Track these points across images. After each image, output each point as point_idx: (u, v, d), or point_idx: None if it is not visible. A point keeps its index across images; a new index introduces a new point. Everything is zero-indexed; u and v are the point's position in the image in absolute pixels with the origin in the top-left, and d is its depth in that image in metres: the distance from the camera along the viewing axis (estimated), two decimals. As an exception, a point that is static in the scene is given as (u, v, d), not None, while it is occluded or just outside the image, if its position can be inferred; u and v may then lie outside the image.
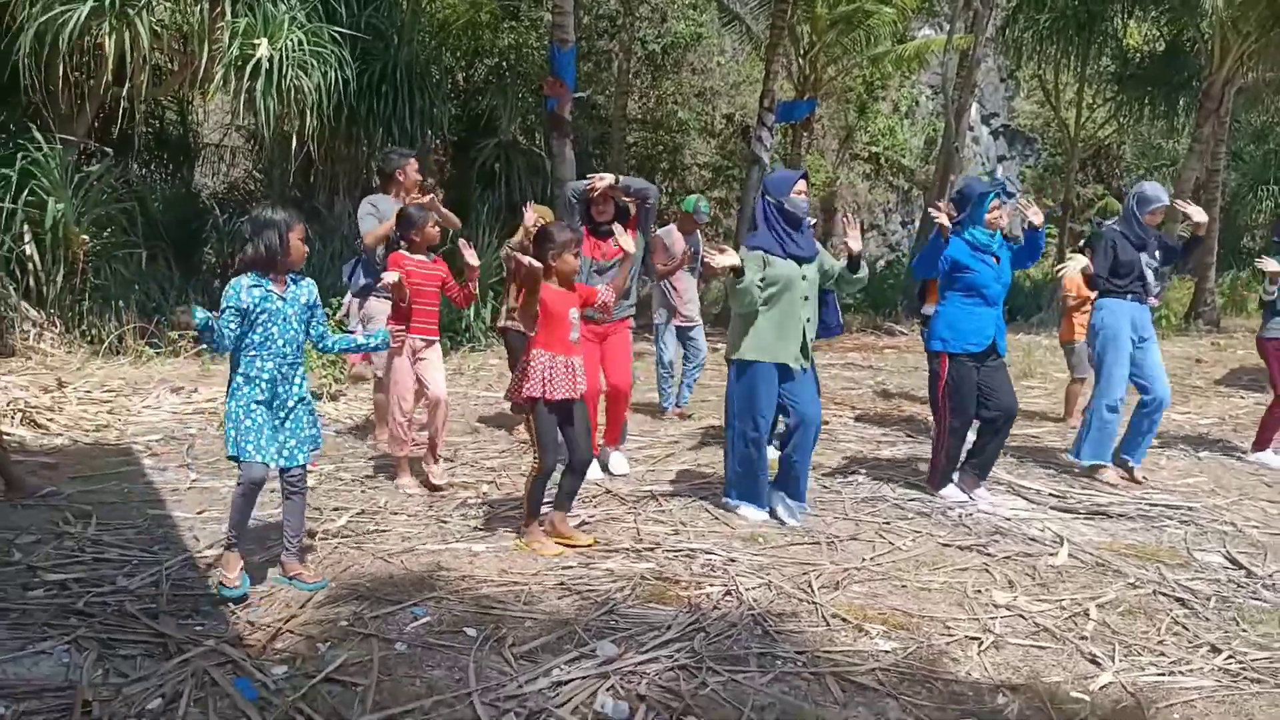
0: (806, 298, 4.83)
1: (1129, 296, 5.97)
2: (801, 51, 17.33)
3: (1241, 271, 24.49)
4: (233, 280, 3.69)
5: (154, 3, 8.87)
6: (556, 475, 4.49)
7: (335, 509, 4.86)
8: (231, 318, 3.62)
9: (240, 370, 3.69)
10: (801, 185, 4.86)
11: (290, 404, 3.77)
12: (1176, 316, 17.02)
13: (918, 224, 20.28)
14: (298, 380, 3.81)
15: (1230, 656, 3.47)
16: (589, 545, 4.41)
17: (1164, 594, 4.07)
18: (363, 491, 5.24)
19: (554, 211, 6.43)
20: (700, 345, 7.68)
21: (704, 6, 19.40)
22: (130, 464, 5.61)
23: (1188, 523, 5.12)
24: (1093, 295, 6.34)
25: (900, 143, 23.67)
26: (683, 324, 7.58)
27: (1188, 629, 3.72)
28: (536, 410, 4.34)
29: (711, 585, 3.97)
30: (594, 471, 5.62)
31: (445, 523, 4.72)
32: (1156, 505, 5.44)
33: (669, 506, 5.10)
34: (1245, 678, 3.32)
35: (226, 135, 14.60)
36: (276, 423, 3.74)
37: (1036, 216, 5.59)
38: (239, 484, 3.67)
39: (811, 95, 17.47)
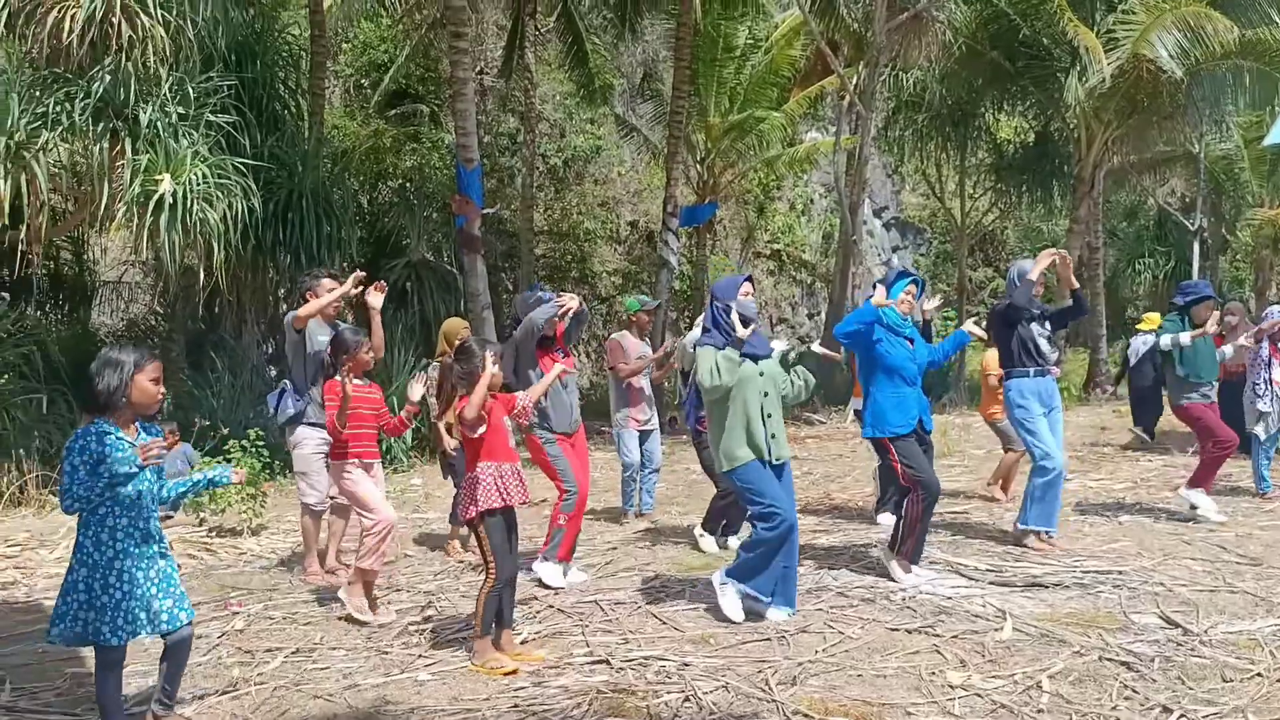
0: (766, 393, 4.89)
1: (1031, 372, 6.24)
2: (699, 158, 17.99)
3: (1130, 340, 25.76)
4: (78, 431, 3.34)
5: (50, 144, 8.75)
6: None
7: (268, 650, 4.63)
8: (85, 476, 3.26)
9: (89, 533, 3.30)
10: (747, 287, 5.01)
11: (157, 561, 3.44)
12: (1076, 388, 17.75)
13: (824, 315, 20.86)
14: (158, 536, 3.48)
15: (1182, 715, 3.54)
16: (539, 660, 4.31)
17: (1109, 659, 4.14)
18: (296, 629, 5.01)
19: (471, 327, 6.53)
20: (656, 452, 7.75)
21: (602, 120, 20.05)
22: (42, 621, 5.25)
23: (1120, 587, 5.25)
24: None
25: (799, 239, 24.53)
26: (642, 429, 7.61)
27: (1138, 692, 3.79)
28: (489, 523, 4.29)
29: (669, 692, 3.90)
30: (556, 578, 5.61)
31: (387, 653, 4.55)
32: (1089, 572, 5.57)
33: (615, 615, 5.01)
34: (1200, 735, 3.38)
35: (125, 272, 14.30)
36: (147, 587, 3.36)
37: (975, 330, 5.94)
38: (100, 672, 3.35)
39: (712, 198, 18.08)
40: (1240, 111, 19.33)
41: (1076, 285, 6.44)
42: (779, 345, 5.19)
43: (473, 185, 12.55)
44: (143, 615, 3.36)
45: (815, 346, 5.43)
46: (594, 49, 17.03)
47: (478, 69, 17.13)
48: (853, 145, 17.27)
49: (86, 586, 3.30)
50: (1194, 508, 6.96)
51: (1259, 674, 3.90)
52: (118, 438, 3.34)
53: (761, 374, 4.90)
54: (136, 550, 3.38)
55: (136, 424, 3.46)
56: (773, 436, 4.86)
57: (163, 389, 3.52)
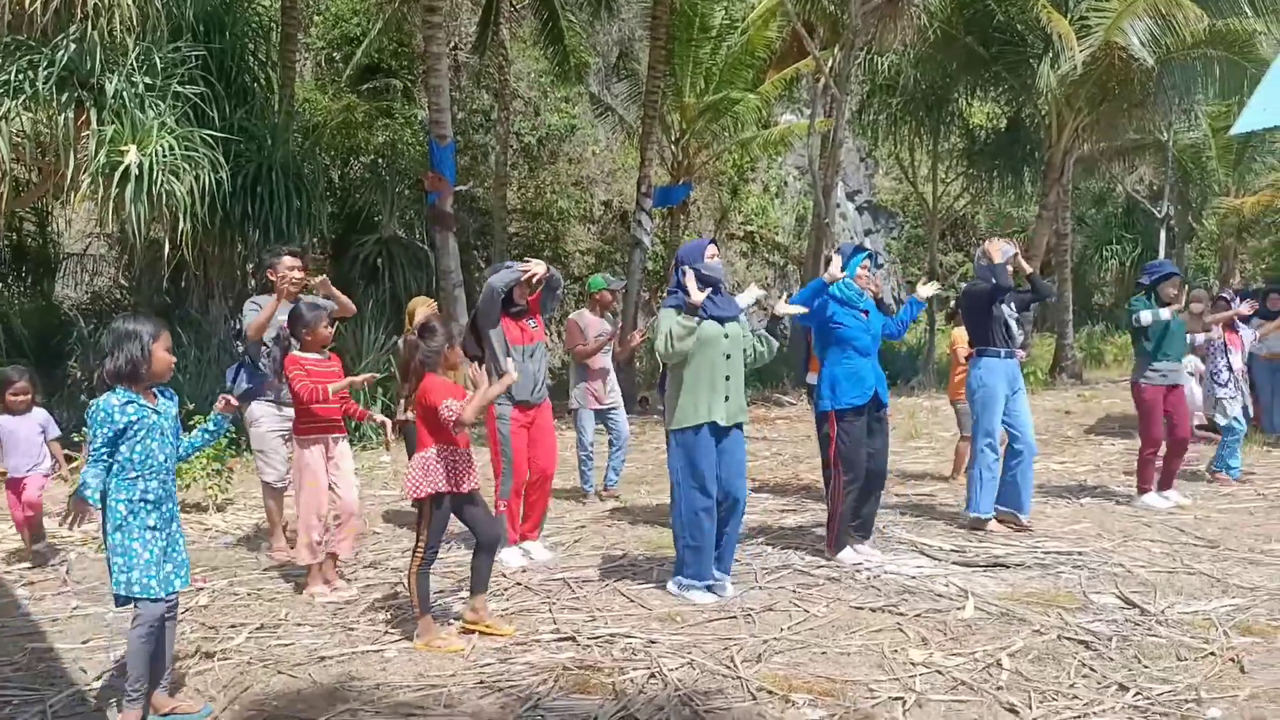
0: (729, 355, 4.90)
1: (1001, 353, 6.32)
2: (673, 139, 17.91)
3: (1096, 326, 26.12)
4: (100, 400, 3.41)
5: (13, 113, 8.57)
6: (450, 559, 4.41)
7: (232, 626, 4.61)
8: (103, 446, 3.37)
9: (122, 496, 3.41)
10: (712, 249, 5.01)
11: (171, 523, 3.55)
12: (1043, 372, 17.95)
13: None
14: (173, 497, 3.60)
15: (1138, 694, 3.62)
16: (508, 635, 4.32)
17: (1068, 638, 4.22)
18: (260, 605, 4.99)
19: (440, 305, 6.46)
20: (622, 427, 7.69)
21: (576, 99, 19.91)
22: (2, 595, 5.22)
23: (1080, 567, 5.34)
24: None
25: (773, 221, 24.53)
26: (601, 407, 7.58)
27: (1095, 670, 3.86)
28: (437, 506, 4.28)
29: (635, 669, 3.92)
30: (514, 559, 5.59)
31: (352, 629, 4.54)
32: (1049, 553, 5.66)
33: (582, 592, 5.03)
34: (1154, 713, 3.46)
35: (90, 244, 14.07)
36: (163, 548, 3.48)
37: (926, 290, 5.96)
38: (137, 627, 3.38)
39: (686, 179, 18.01)
40: (1209, 101, 19.51)
41: (1030, 270, 6.56)
42: (750, 294, 5.16)
43: (445, 162, 12.44)
44: (160, 575, 3.46)
45: (781, 305, 5.43)
46: (569, 26, 16.87)
47: (451, 44, 16.94)
48: (827, 128, 17.27)
49: (124, 549, 3.40)
50: (1148, 507, 7.01)
51: (1212, 653, 3.99)
52: (140, 404, 3.46)
53: (726, 336, 4.91)
54: (160, 511, 3.50)
55: (155, 390, 3.57)
56: (727, 399, 4.88)
57: (173, 357, 3.65)
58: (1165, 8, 14.89)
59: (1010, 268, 6.35)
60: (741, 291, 5.45)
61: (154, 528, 3.45)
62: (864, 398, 5.55)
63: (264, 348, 5.75)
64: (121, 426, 3.40)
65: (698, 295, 4.80)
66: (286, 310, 5.74)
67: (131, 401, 3.44)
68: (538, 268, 5.56)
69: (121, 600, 3.42)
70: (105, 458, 3.41)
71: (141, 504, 3.44)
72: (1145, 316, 6.95)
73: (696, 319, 4.83)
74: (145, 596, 3.38)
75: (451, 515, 4.38)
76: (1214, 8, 15.66)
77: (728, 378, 4.90)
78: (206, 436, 3.93)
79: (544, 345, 5.90)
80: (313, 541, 5.06)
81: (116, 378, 3.45)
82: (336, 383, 5.09)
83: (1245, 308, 8.93)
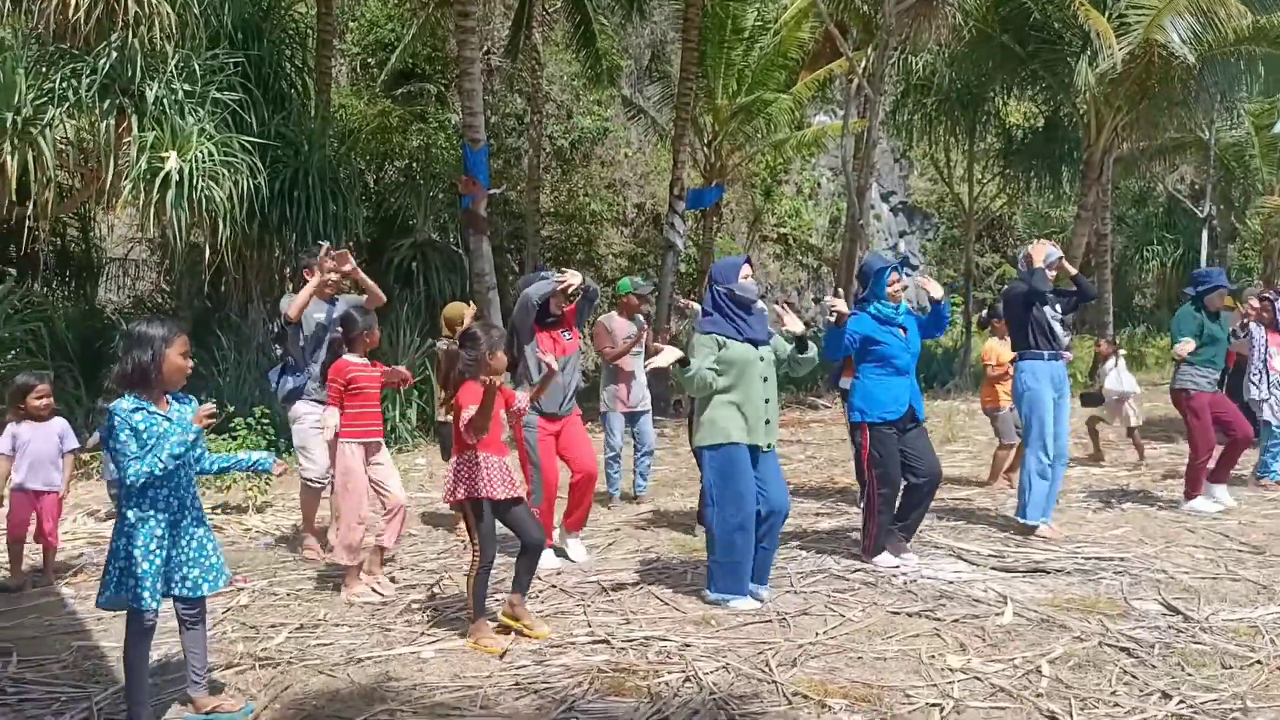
0: (765, 378, 4.87)
1: (1045, 355, 6.23)
2: (706, 141, 17.88)
3: (1137, 328, 25.73)
4: (112, 405, 3.38)
5: (57, 120, 8.74)
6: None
7: (272, 626, 4.66)
8: (129, 439, 3.32)
9: (131, 503, 3.37)
10: (747, 270, 4.98)
11: (191, 530, 3.50)
12: (1082, 375, 17.71)
13: (833, 318, 20.81)
14: (194, 505, 3.55)
15: (1181, 701, 3.55)
16: (543, 636, 4.34)
17: (1109, 645, 4.16)
18: (299, 605, 5.04)
19: (478, 307, 6.51)
20: (648, 434, 7.69)
21: (608, 102, 19.95)
22: (49, 595, 5.31)
23: (1122, 573, 5.26)
24: (1008, 362, 6.61)
25: (806, 223, 24.43)
26: (630, 410, 7.58)
27: (1137, 678, 3.80)
28: (477, 510, 4.32)
29: (670, 673, 3.92)
30: (550, 560, 5.62)
31: (390, 630, 4.58)
32: (1090, 558, 5.58)
33: (617, 596, 5.04)
34: (1198, 721, 3.39)
35: (131, 249, 14.31)
36: (177, 552, 3.45)
37: (936, 290, 5.84)
38: (131, 635, 3.37)
39: (719, 181, 17.97)
40: (1251, 98, 19.18)
41: (1074, 271, 6.47)
42: (794, 326, 5.11)
43: (479, 166, 12.51)
44: (176, 576, 3.45)
45: (829, 299, 5.46)
46: (601, 30, 16.91)
47: (484, 49, 17.05)
48: (861, 129, 17.16)
49: (126, 554, 3.36)
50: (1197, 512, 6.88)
51: (1258, 661, 3.91)
52: (150, 412, 3.39)
53: (762, 359, 4.88)
54: (172, 519, 3.44)
55: (168, 397, 3.51)
56: (767, 422, 4.85)
57: (191, 362, 3.56)
58: (1207, 4, 14.63)
59: (1053, 271, 6.27)
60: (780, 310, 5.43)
61: (161, 537, 3.39)
62: (898, 413, 5.50)
63: (300, 331, 5.80)
64: (136, 430, 3.35)
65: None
66: (321, 308, 5.82)
67: (140, 409, 3.37)
68: (574, 279, 5.57)
69: (101, 604, 3.41)
70: (141, 453, 3.34)
71: (151, 512, 3.38)
72: (1180, 350, 6.83)
73: (740, 342, 4.82)
74: (137, 607, 3.34)
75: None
76: (1257, 3, 15.37)
77: (767, 400, 4.86)
78: (241, 460, 3.89)
79: (577, 357, 5.93)
80: (354, 543, 5.11)
81: (125, 383, 3.39)
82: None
83: None
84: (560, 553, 5.82)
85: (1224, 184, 24.86)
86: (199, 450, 3.55)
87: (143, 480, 3.33)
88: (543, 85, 17.74)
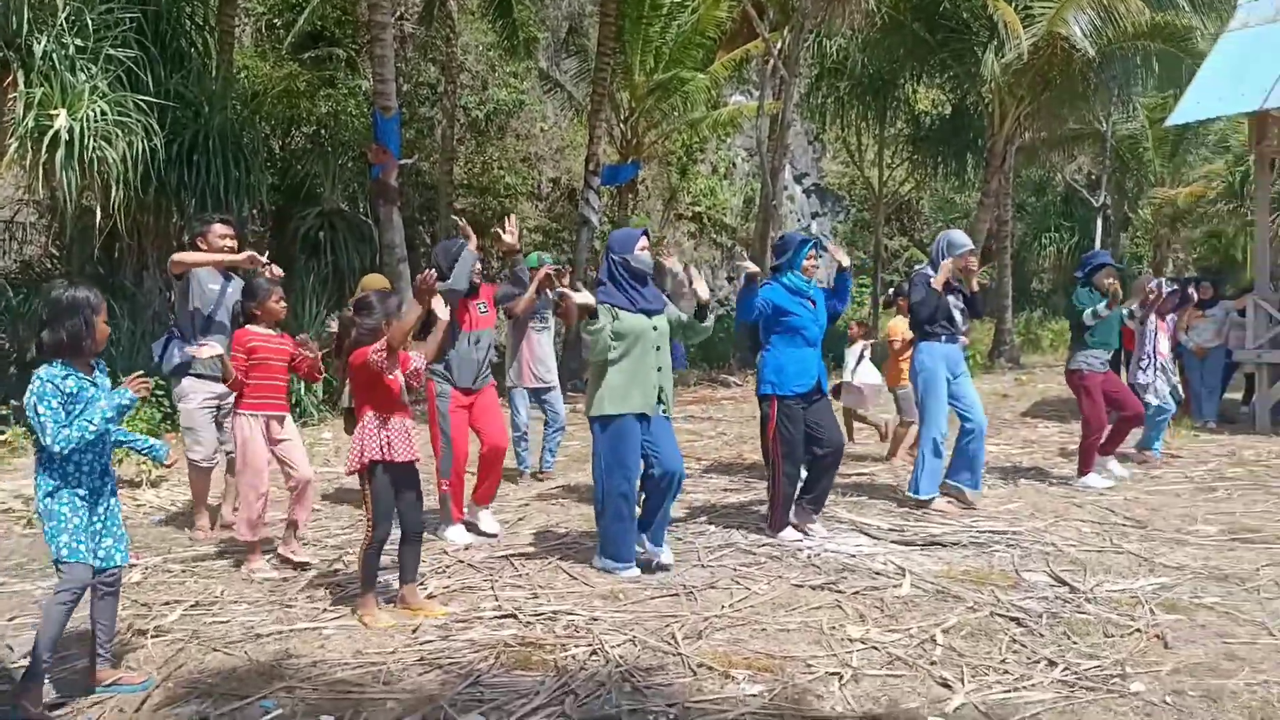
0: (658, 348, 4.96)
1: (943, 338, 6.42)
2: (622, 117, 17.83)
3: (1034, 312, 26.68)
4: (41, 372, 3.33)
5: (-66, 72, 8.25)
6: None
7: (166, 603, 4.52)
8: (58, 406, 3.28)
9: (55, 466, 3.36)
10: (644, 242, 5.02)
11: (108, 497, 3.51)
12: (982, 356, 18.29)
13: (743, 279, 21.03)
14: (111, 474, 3.55)
15: (1066, 669, 3.71)
16: (441, 614, 4.29)
17: (1000, 615, 4.31)
18: (195, 582, 4.90)
19: (387, 278, 6.39)
20: (558, 408, 7.64)
21: (525, 74, 19.70)
22: (-77, 572, 5.05)
23: (1014, 546, 5.46)
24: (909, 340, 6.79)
25: (721, 202, 24.60)
26: (536, 385, 7.52)
27: (1025, 646, 3.96)
28: (375, 476, 4.24)
29: (576, 646, 3.93)
30: (460, 535, 5.60)
31: (290, 607, 4.47)
32: (984, 532, 5.78)
33: (525, 570, 5.02)
34: (1081, 687, 3.55)
35: (19, 211, 13.58)
36: (94, 519, 3.45)
37: (843, 258, 5.91)
38: (61, 592, 3.32)
39: (635, 159, 17.96)
40: (1147, 92, 20.00)
41: (977, 289, 6.64)
42: (702, 292, 5.12)
43: (390, 135, 12.23)
44: (92, 544, 3.42)
45: (740, 262, 5.52)
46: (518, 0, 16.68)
47: (397, 14, 16.63)
48: (776, 110, 17.34)
49: (54, 514, 3.34)
50: (1087, 488, 7.18)
51: (1138, 629, 4.11)
52: (80, 377, 3.38)
53: (655, 328, 4.95)
54: (93, 485, 3.44)
55: (92, 364, 3.49)
56: (660, 389, 4.94)
57: (108, 328, 3.56)
58: (1108, 0, 15.18)
59: (961, 262, 6.42)
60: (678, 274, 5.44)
61: (84, 498, 3.40)
62: (806, 386, 5.61)
63: (188, 295, 5.59)
64: (70, 394, 3.34)
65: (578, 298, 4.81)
66: (216, 279, 5.64)
67: (70, 375, 3.36)
68: (509, 239, 5.60)
69: (58, 561, 3.36)
70: (66, 421, 3.31)
71: (75, 475, 3.39)
72: (1089, 317, 7.07)
73: (633, 312, 4.88)
74: (74, 560, 3.32)
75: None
76: (1155, 1, 16.00)
77: (659, 369, 4.94)
78: (139, 444, 3.78)
79: (491, 332, 5.88)
80: (253, 518, 4.98)
81: (56, 350, 3.36)
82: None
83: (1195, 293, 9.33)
84: (471, 526, 5.78)
85: (1119, 174, 25.90)
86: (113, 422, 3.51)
87: (71, 446, 3.29)
88: (457, 54, 17.40)
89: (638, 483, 4.97)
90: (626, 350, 4.87)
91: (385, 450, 4.22)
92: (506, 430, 5.90)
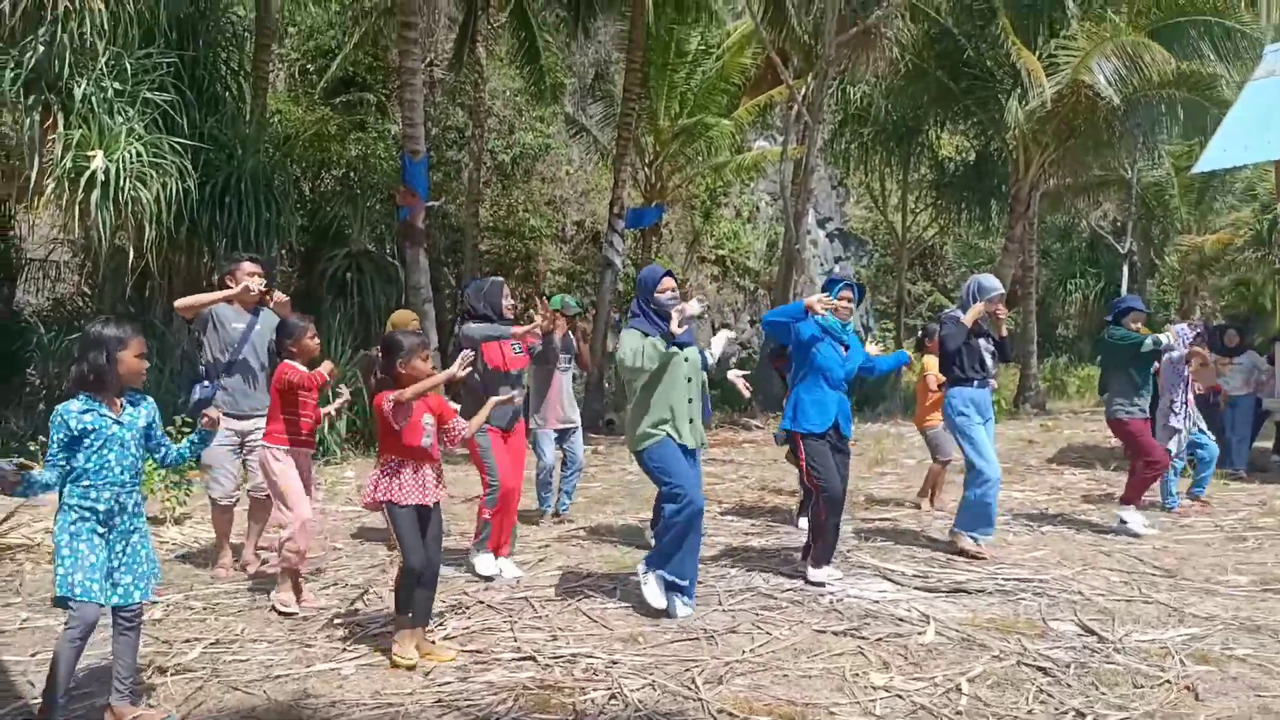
0: (690, 379, 5.01)
1: (974, 383, 6.38)
2: (647, 161, 18.01)
3: (1060, 358, 26.50)
4: (60, 406, 3.42)
5: (-22, 114, 8.47)
6: None
7: (186, 640, 4.53)
8: (59, 452, 3.38)
9: (73, 501, 3.40)
10: (668, 282, 5.06)
11: (128, 535, 3.52)
12: (1007, 401, 18.15)
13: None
14: (134, 509, 3.56)
15: None
16: (448, 659, 4.24)
17: (1027, 664, 4.24)
18: (216, 620, 4.91)
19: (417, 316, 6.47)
20: (577, 450, 7.62)
21: (550, 119, 19.97)
22: (-51, 605, 5.09)
23: (1040, 594, 5.38)
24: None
25: (744, 246, 24.70)
26: (560, 427, 7.53)
27: (1053, 696, 3.88)
28: (394, 511, 4.25)
29: (595, 690, 3.89)
30: (489, 566, 5.70)
31: (310, 646, 4.47)
32: (1010, 579, 5.70)
33: (545, 612, 4.99)
34: (1110, 739, 3.48)
35: (53, 250, 13.85)
36: (113, 557, 3.46)
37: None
38: (69, 629, 3.34)
39: (659, 202, 18.10)
40: (1172, 140, 19.98)
41: (1005, 334, 6.60)
42: (720, 341, 5.23)
43: (418, 177, 12.41)
44: (106, 584, 3.44)
45: (732, 374, 5.77)
46: (545, 46, 16.95)
47: (427, 60, 16.94)
48: (799, 155, 17.44)
49: (71, 550, 3.38)
50: (1124, 523, 7.11)
51: (1168, 681, 4.03)
52: (100, 414, 3.46)
53: (686, 360, 5.02)
54: (113, 522, 3.47)
55: (122, 399, 3.56)
56: (691, 421, 4.98)
57: (146, 363, 3.63)
58: (1132, 49, 15.25)
59: (991, 306, 6.41)
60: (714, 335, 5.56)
61: (103, 535, 3.43)
62: (823, 426, 5.61)
63: (210, 337, 5.68)
64: (77, 433, 3.39)
65: (676, 328, 4.85)
66: (243, 318, 5.72)
67: (91, 410, 3.42)
68: (532, 334, 5.89)
69: (59, 601, 3.38)
70: (61, 463, 3.41)
71: (92, 513, 3.41)
72: (1150, 344, 6.95)
73: (668, 345, 4.87)
74: (86, 599, 3.34)
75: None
76: (1179, 50, 16.05)
77: (690, 400, 5.00)
78: (195, 448, 3.90)
79: (524, 373, 5.94)
80: (301, 548, 4.98)
81: (80, 384, 3.46)
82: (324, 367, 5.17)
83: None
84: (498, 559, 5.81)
85: (1144, 221, 25.82)
86: (160, 448, 3.70)
87: (48, 480, 3.37)
88: (485, 99, 17.67)
89: (700, 496, 4.93)
90: (658, 378, 4.93)
91: (396, 493, 4.23)
92: (521, 474, 5.94)
